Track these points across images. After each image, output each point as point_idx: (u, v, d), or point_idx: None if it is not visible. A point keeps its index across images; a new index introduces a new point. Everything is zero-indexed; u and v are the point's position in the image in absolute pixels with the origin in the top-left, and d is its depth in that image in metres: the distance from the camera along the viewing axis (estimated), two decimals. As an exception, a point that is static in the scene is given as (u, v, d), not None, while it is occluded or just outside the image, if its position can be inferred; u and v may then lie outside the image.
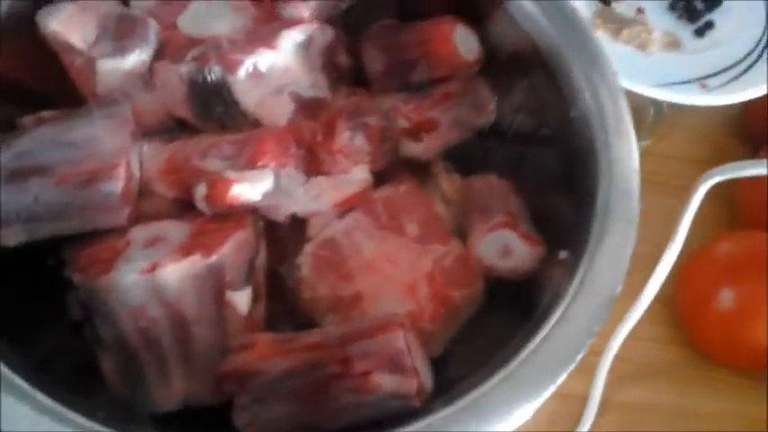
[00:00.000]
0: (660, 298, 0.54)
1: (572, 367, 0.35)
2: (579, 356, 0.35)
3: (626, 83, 0.45)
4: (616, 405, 0.50)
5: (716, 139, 0.63)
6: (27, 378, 0.34)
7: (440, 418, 0.34)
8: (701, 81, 0.53)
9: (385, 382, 0.35)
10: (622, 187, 0.41)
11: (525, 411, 0.34)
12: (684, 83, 0.53)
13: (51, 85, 0.46)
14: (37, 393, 0.33)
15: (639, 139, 0.55)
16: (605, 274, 0.38)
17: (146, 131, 0.45)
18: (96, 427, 0.32)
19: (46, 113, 0.44)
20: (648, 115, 0.59)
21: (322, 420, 0.36)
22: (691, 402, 0.51)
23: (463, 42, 0.48)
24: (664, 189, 0.59)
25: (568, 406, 0.50)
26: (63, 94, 0.46)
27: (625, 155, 0.42)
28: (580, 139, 0.43)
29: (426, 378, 0.37)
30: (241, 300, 0.39)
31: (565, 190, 0.43)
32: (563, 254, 0.40)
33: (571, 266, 0.39)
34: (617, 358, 0.51)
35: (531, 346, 0.35)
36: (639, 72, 0.52)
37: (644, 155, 0.58)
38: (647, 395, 0.51)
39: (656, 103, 0.60)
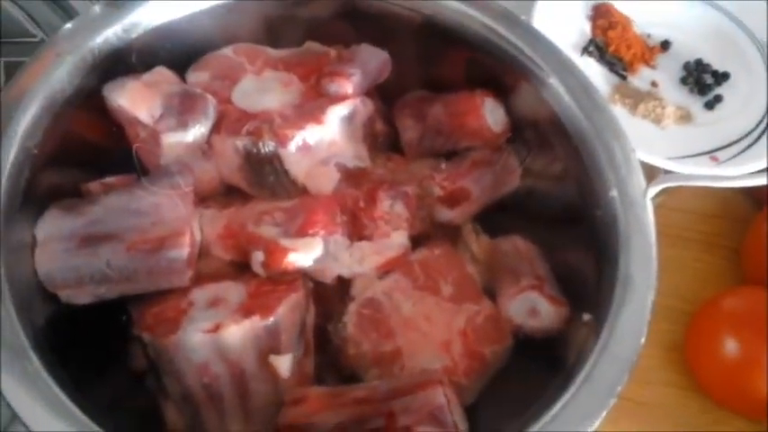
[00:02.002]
0: (672, 345, 0.58)
1: (597, 424, 0.39)
2: (604, 413, 0.39)
3: (643, 156, 0.49)
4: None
5: (723, 194, 0.67)
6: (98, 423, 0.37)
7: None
8: (712, 154, 0.57)
9: (428, 435, 0.39)
10: (642, 256, 0.44)
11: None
12: (696, 155, 0.57)
13: (114, 154, 0.50)
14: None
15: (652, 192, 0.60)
16: (627, 338, 0.42)
17: (203, 197, 0.49)
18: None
19: (110, 179, 0.48)
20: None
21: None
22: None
23: (491, 114, 0.52)
24: (674, 241, 0.64)
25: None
26: (124, 162, 0.50)
27: (643, 225, 0.46)
28: (603, 210, 0.47)
29: (463, 430, 0.40)
30: (283, 364, 0.42)
31: (588, 255, 0.47)
32: (587, 316, 0.44)
33: (595, 328, 0.42)
34: (629, 400, 0.55)
35: (560, 403, 0.39)
36: (655, 145, 0.56)
37: (656, 209, 0.63)
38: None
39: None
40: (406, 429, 0.39)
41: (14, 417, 0.40)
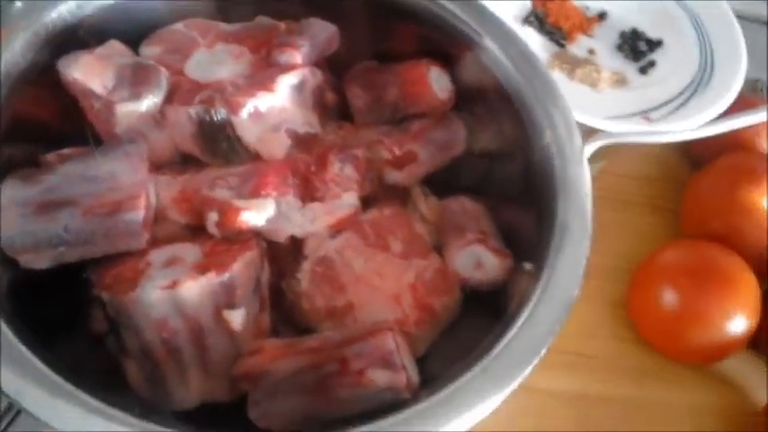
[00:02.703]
0: (617, 302, 0.61)
1: (537, 361, 0.41)
2: (543, 351, 0.41)
3: (580, 117, 0.51)
4: (575, 397, 0.56)
5: (662, 159, 0.71)
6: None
7: (425, 406, 0.39)
8: (645, 114, 0.60)
9: (378, 377, 0.41)
10: (578, 206, 0.47)
11: (497, 399, 0.40)
12: (630, 116, 0.60)
13: (68, 126, 0.52)
14: (81, 394, 0.38)
15: (595, 161, 0.63)
16: (564, 282, 0.44)
17: (158, 165, 0.50)
18: (134, 421, 0.37)
19: (66, 151, 0.49)
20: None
21: (324, 412, 0.41)
22: (645, 394, 0.57)
23: (437, 82, 0.54)
24: (616, 204, 0.67)
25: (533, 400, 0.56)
26: (78, 134, 0.51)
27: (579, 179, 0.48)
28: (541, 166, 0.49)
29: (413, 374, 0.42)
30: (236, 318, 0.44)
31: (529, 209, 0.50)
32: (528, 265, 0.46)
33: (535, 276, 0.45)
34: (578, 354, 0.58)
35: (503, 343, 0.41)
36: (592, 107, 0.59)
37: (600, 174, 0.66)
38: (607, 388, 0.57)
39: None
40: (359, 373, 0.41)
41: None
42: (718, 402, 0.57)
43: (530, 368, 0.41)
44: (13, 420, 0.47)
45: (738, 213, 0.60)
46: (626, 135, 0.52)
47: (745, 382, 0.58)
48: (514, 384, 0.40)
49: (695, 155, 0.68)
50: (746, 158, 0.63)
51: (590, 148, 0.50)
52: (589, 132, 0.51)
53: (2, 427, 0.46)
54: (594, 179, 0.66)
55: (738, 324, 0.55)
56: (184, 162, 0.51)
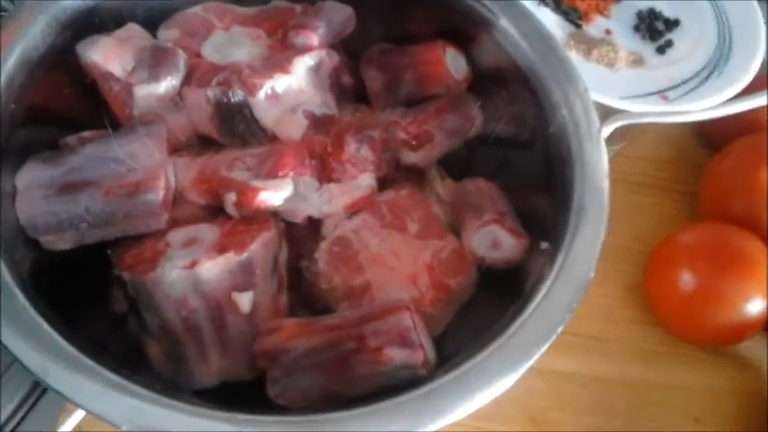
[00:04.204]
0: (633, 285, 0.61)
1: (554, 338, 0.41)
2: (560, 329, 0.42)
3: (596, 96, 0.51)
4: (591, 379, 0.56)
5: (679, 141, 0.70)
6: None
7: (441, 384, 0.40)
8: (662, 93, 0.60)
9: (395, 355, 0.41)
10: (594, 187, 0.47)
11: (513, 378, 0.40)
12: (647, 95, 0.59)
13: (88, 109, 0.52)
14: (103, 370, 0.38)
15: (612, 143, 0.63)
16: (580, 261, 0.44)
17: (176, 147, 0.51)
18: (156, 397, 0.38)
19: (86, 134, 0.50)
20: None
21: (342, 389, 0.41)
22: (660, 377, 0.57)
23: (453, 63, 0.54)
24: (633, 187, 0.66)
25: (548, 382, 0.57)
26: (98, 117, 0.51)
27: (596, 159, 0.48)
28: (558, 147, 0.50)
29: (430, 352, 0.43)
30: (244, 299, 0.44)
31: (545, 190, 0.50)
32: (544, 245, 0.46)
33: (551, 255, 0.45)
34: (594, 338, 0.58)
35: (519, 321, 0.42)
36: (608, 87, 0.59)
37: (616, 157, 0.66)
38: (622, 371, 0.57)
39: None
40: (376, 351, 0.42)
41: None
42: (736, 384, 0.57)
43: (545, 347, 0.41)
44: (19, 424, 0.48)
45: (758, 195, 0.59)
46: (643, 115, 0.52)
47: (762, 364, 0.58)
48: (530, 363, 0.40)
49: (713, 138, 0.67)
50: (766, 140, 0.62)
51: (607, 129, 0.50)
52: (606, 113, 0.51)
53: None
54: (611, 161, 0.67)
55: (756, 306, 0.55)
56: (203, 144, 0.52)
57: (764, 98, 0.51)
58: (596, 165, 0.48)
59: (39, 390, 0.44)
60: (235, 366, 0.45)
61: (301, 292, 0.48)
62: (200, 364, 0.44)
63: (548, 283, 0.43)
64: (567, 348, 0.57)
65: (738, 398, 0.57)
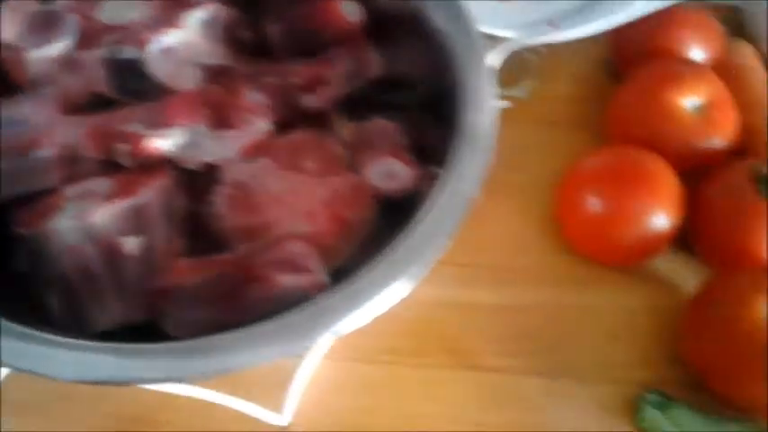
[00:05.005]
0: (546, 217, 0.62)
1: (442, 249, 0.42)
2: (447, 241, 0.43)
3: (485, 28, 0.53)
4: (503, 308, 0.57)
5: (593, 80, 0.72)
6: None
7: (328, 300, 0.41)
8: (549, 20, 0.61)
9: (286, 280, 0.42)
10: (480, 112, 0.48)
11: (400, 287, 0.41)
12: (536, 23, 0.60)
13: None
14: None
15: (523, 84, 0.64)
16: (466, 180, 0.45)
17: (73, 108, 0.51)
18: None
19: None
20: (529, 61, 0.68)
21: (237, 317, 0.42)
22: (575, 300, 0.58)
23: (346, 8, 0.55)
24: (546, 125, 0.68)
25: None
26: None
27: (483, 86, 0.50)
28: (448, 79, 0.51)
29: (321, 275, 0.44)
30: (131, 244, 0.45)
31: (439, 121, 0.51)
32: (436, 170, 0.47)
33: (442, 180, 0.46)
34: (508, 269, 0.59)
35: (407, 235, 0.43)
36: (497, 18, 0.60)
37: (530, 96, 0.67)
38: (537, 298, 0.58)
39: (537, 50, 0.68)
40: (267, 278, 0.42)
41: None
42: (650, 301, 0.58)
43: (436, 257, 0.42)
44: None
45: (659, 117, 0.60)
46: (529, 39, 0.53)
47: (674, 280, 0.59)
48: (421, 272, 0.41)
49: (621, 71, 0.69)
50: (668, 65, 0.64)
51: (495, 58, 0.51)
52: (494, 43, 0.52)
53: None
54: (523, 102, 0.68)
55: (661, 220, 0.56)
56: (100, 104, 0.52)
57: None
58: (483, 91, 0.49)
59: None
60: (132, 308, 0.45)
61: (202, 236, 0.49)
62: (98, 308, 0.45)
63: (436, 200, 0.44)
64: (482, 281, 0.58)
65: (653, 314, 0.57)
